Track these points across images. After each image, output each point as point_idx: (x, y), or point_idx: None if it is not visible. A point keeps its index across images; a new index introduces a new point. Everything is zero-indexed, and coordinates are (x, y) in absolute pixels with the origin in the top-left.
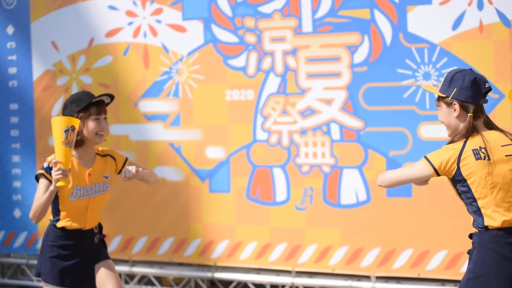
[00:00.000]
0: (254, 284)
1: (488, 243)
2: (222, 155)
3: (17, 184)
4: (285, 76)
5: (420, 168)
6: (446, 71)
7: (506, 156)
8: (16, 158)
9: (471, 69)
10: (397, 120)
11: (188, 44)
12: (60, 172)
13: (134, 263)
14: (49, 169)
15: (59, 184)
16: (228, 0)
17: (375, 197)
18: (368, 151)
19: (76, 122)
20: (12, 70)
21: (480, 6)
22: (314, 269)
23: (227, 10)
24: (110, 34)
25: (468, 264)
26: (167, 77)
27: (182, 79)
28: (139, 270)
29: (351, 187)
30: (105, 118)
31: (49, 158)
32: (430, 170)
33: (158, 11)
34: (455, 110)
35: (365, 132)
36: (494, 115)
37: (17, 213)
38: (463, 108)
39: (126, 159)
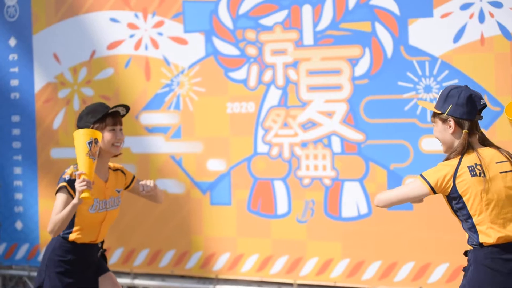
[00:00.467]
0: None
1: (483, 259)
2: (223, 168)
3: (18, 196)
4: (286, 89)
5: (416, 186)
6: (447, 84)
7: (501, 172)
8: (17, 170)
9: (467, 86)
10: (398, 133)
11: (189, 57)
12: (85, 183)
13: (136, 275)
14: (71, 182)
15: (83, 195)
16: (230, 13)
17: (376, 210)
18: (369, 164)
19: (99, 135)
20: (14, 82)
21: (482, 19)
22: (315, 282)
23: (228, 23)
24: (112, 46)
25: (463, 280)
26: (168, 90)
27: (183, 92)
28: (140, 282)
29: (352, 200)
30: (121, 129)
31: (68, 171)
32: (427, 189)
33: (159, 24)
34: (450, 127)
35: (366, 144)
36: (494, 128)
37: (18, 225)
38: (458, 124)
39: (134, 176)
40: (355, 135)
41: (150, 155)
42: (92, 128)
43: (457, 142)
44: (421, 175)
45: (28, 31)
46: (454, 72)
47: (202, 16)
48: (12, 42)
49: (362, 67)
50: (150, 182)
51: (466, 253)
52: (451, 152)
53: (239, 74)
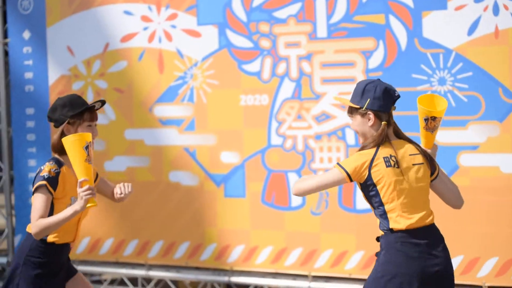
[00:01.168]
0: None
1: (394, 243)
2: (237, 160)
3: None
4: (300, 81)
5: (334, 174)
6: (461, 76)
7: (413, 164)
8: (32, 162)
9: (379, 79)
10: (412, 125)
11: (202, 49)
12: (89, 192)
13: (151, 267)
14: (50, 179)
15: (90, 204)
16: (243, 6)
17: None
18: None
19: (89, 137)
20: (28, 75)
21: (496, 12)
22: (330, 274)
23: (242, 15)
24: (125, 39)
25: (375, 265)
26: (182, 82)
27: (196, 84)
28: (155, 274)
29: None
30: (96, 125)
31: (45, 168)
32: (343, 175)
33: (173, 16)
34: (369, 119)
35: None
36: (509, 121)
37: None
38: (377, 117)
39: (97, 173)
40: None
41: (164, 147)
42: (69, 122)
43: (375, 134)
44: (338, 164)
45: (42, 24)
46: (468, 64)
47: (215, 9)
48: (26, 35)
49: (376, 60)
50: (128, 187)
51: (378, 239)
52: (369, 142)
53: (253, 67)
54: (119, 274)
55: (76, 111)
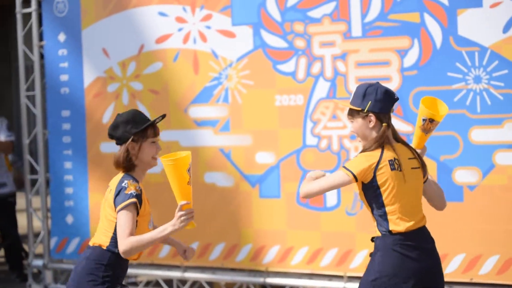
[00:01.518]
0: None
1: (392, 245)
2: (272, 160)
3: (69, 190)
4: (335, 81)
5: (341, 176)
6: (497, 74)
7: (412, 168)
8: (68, 165)
9: (378, 82)
10: (447, 124)
11: (237, 50)
12: (191, 215)
13: (186, 268)
14: (138, 197)
15: (189, 226)
16: (278, 5)
17: (424, 201)
18: None
19: (189, 157)
20: (64, 77)
21: None
22: None
23: (276, 15)
24: (160, 40)
25: (369, 266)
26: (217, 83)
27: (231, 85)
28: (191, 275)
29: None
30: (158, 140)
31: (129, 186)
32: (350, 177)
33: (207, 17)
34: (370, 121)
35: None
36: None
37: (69, 219)
38: (378, 119)
39: None
40: (404, 127)
41: (199, 148)
42: (133, 140)
43: (376, 136)
44: (345, 167)
45: (77, 27)
46: (503, 62)
47: (250, 9)
48: (62, 37)
49: (411, 58)
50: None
51: (373, 239)
52: (372, 144)
53: (288, 67)
54: (155, 276)
55: (140, 128)
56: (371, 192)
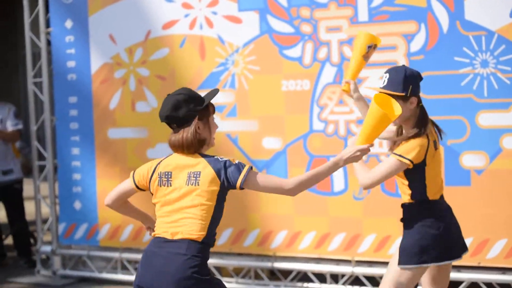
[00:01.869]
0: (314, 274)
1: (429, 210)
2: (279, 146)
3: (77, 176)
4: (341, 66)
5: (398, 164)
6: (504, 58)
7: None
8: (75, 151)
9: (404, 65)
10: (454, 108)
11: (244, 35)
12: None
13: None
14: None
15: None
16: None
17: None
18: None
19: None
20: (71, 64)
21: None
22: (374, 259)
23: (283, 1)
24: (167, 26)
25: (408, 231)
26: (223, 69)
27: (238, 70)
28: None
29: None
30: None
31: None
32: (407, 163)
33: (214, 3)
34: (412, 103)
35: None
36: None
37: (77, 205)
38: (418, 100)
39: None
40: None
41: None
42: (199, 118)
43: (418, 118)
44: (401, 155)
45: (84, 13)
46: (510, 46)
47: None
48: (69, 24)
49: (417, 43)
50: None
51: (406, 206)
52: (421, 129)
53: (294, 52)
54: None
55: (203, 105)
56: (416, 169)
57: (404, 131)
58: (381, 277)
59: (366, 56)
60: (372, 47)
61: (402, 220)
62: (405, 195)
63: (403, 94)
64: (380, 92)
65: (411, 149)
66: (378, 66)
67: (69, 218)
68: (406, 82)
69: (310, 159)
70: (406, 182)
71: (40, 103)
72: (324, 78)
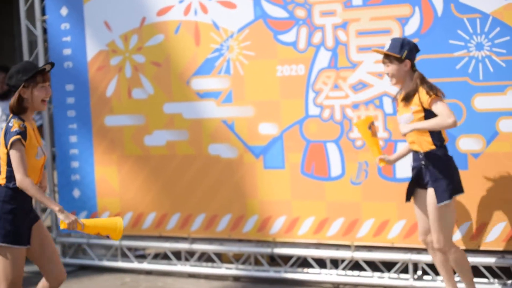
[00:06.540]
0: (314, 259)
1: (446, 154)
2: (275, 131)
3: (75, 164)
4: (336, 50)
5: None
6: (499, 41)
7: None
8: (73, 139)
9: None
10: (450, 92)
11: (238, 21)
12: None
13: (194, 240)
14: (22, 134)
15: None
16: None
17: None
18: None
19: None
20: (67, 51)
21: None
22: (373, 243)
23: None
24: (161, 12)
25: (435, 173)
26: (218, 54)
27: (233, 56)
28: (199, 247)
29: (406, 160)
30: (49, 85)
31: (14, 124)
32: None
33: None
34: (406, 66)
35: None
36: None
37: (76, 193)
38: (411, 65)
39: None
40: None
41: (202, 120)
42: (24, 86)
43: (406, 76)
44: (436, 95)
45: (79, 0)
46: (505, 28)
47: None
48: (64, 11)
49: (412, 26)
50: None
51: (428, 154)
52: (422, 81)
53: (288, 37)
54: (163, 248)
55: (29, 75)
56: (433, 114)
57: (404, 90)
58: (381, 262)
59: (373, 134)
60: (372, 124)
61: (425, 165)
62: (426, 143)
63: (399, 56)
64: (384, 53)
65: (430, 91)
66: (372, 50)
67: (68, 206)
68: (402, 47)
69: (306, 144)
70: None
71: None
72: (318, 62)
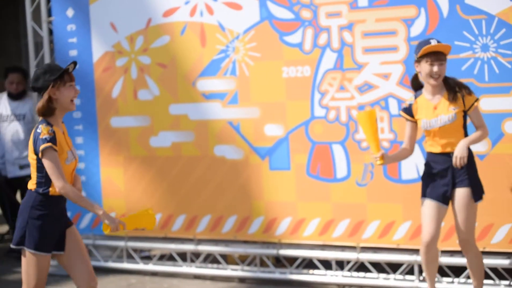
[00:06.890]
0: (319, 261)
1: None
2: (280, 133)
3: (81, 165)
4: (342, 52)
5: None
6: (505, 42)
7: None
8: (79, 140)
9: None
10: None
11: (244, 22)
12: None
13: (199, 241)
14: (52, 140)
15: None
16: None
17: None
18: None
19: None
20: (73, 53)
21: None
22: (378, 245)
23: None
24: (167, 13)
25: (469, 167)
26: (224, 56)
27: (238, 57)
28: (204, 248)
29: (412, 161)
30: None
31: (43, 130)
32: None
33: None
34: None
35: None
36: None
37: (82, 194)
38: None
39: None
40: (412, 97)
41: (208, 121)
42: (53, 86)
43: None
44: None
45: (85, 1)
46: (511, 30)
47: None
48: (70, 12)
49: (417, 28)
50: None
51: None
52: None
53: (294, 38)
54: (168, 249)
55: (57, 75)
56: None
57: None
58: (386, 263)
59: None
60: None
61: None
62: (460, 139)
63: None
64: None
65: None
66: (377, 51)
67: (74, 207)
68: None
69: (312, 145)
70: (462, 130)
71: None
72: (324, 64)
